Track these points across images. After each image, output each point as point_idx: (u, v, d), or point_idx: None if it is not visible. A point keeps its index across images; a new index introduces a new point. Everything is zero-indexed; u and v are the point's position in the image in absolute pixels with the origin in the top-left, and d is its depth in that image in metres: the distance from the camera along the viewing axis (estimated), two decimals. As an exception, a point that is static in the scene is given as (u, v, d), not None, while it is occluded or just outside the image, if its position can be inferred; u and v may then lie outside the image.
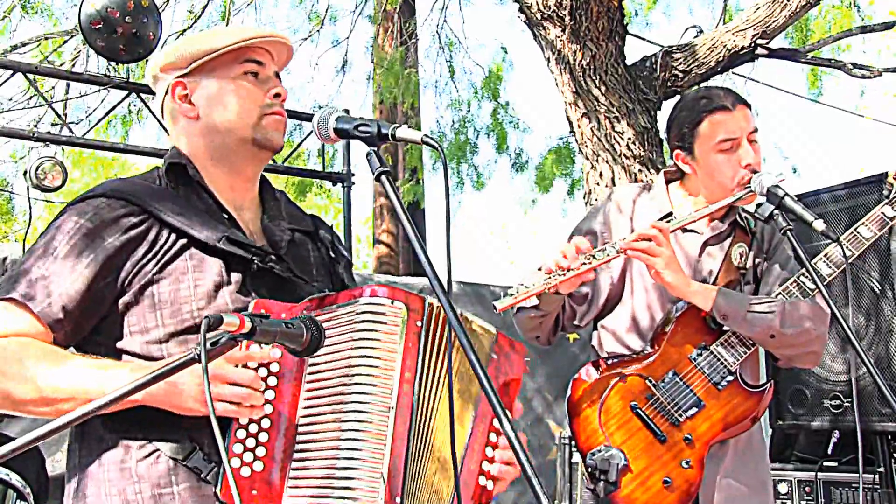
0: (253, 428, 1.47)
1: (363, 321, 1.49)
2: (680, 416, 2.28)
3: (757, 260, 2.46)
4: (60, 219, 1.65)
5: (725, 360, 2.32)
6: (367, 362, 1.47)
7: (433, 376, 1.54)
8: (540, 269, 2.22)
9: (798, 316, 2.27)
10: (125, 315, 1.61)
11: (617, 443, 2.26)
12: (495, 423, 1.61)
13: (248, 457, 1.46)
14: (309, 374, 1.51)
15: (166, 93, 1.78)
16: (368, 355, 1.47)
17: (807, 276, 2.31)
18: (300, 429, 1.48)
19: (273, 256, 1.69)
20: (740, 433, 2.33)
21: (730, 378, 2.31)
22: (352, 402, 1.45)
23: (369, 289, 1.51)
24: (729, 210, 2.45)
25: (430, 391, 1.53)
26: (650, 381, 2.31)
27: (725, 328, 2.35)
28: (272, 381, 1.50)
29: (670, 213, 2.45)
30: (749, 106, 2.40)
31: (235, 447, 1.46)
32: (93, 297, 1.58)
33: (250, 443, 1.46)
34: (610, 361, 2.41)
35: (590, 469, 2.23)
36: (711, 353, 2.33)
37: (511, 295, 2.20)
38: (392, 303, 1.50)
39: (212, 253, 1.63)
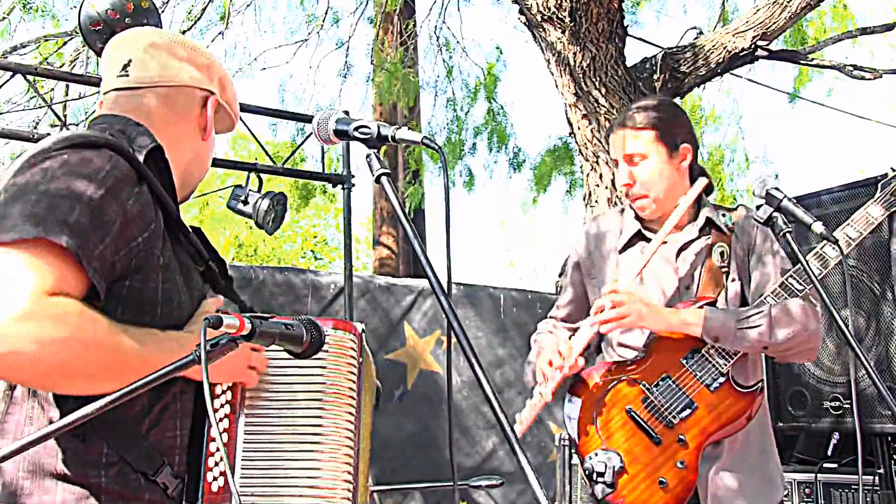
0: (219, 443, 1.52)
1: (330, 350, 1.55)
2: (674, 418, 2.33)
3: (739, 255, 2.47)
4: (78, 156, 1.41)
5: (716, 362, 2.37)
6: (332, 388, 1.55)
7: (364, 397, 1.63)
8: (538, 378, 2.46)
9: (787, 320, 2.31)
10: (109, 298, 1.43)
11: (614, 446, 2.33)
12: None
13: (216, 471, 1.52)
14: (260, 396, 1.56)
15: (204, 90, 1.71)
16: (335, 381, 1.55)
17: (794, 277, 2.34)
18: (245, 445, 1.54)
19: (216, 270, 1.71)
20: (735, 432, 2.36)
21: (721, 380, 2.35)
22: (320, 423, 1.53)
23: (323, 321, 1.56)
24: (697, 214, 2.50)
25: (364, 411, 1.63)
26: (645, 386, 2.37)
27: None
28: (228, 395, 1.57)
29: (638, 234, 2.54)
30: (639, 126, 2.45)
31: (209, 461, 1.52)
32: (110, 266, 1.41)
33: (217, 457, 1.53)
34: (608, 367, 2.47)
35: (587, 472, 2.31)
36: (703, 356, 2.38)
37: (521, 423, 2.46)
38: (344, 334, 1.59)
39: (183, 247, 1.60)
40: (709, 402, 2.33)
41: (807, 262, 2.16)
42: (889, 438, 3.36)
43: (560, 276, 7.53)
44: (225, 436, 1.54)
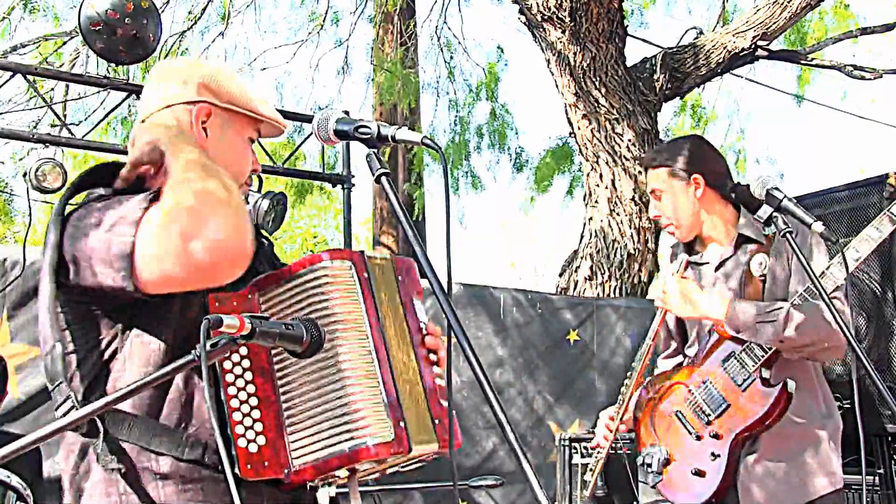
0: (245, 409, 1.61)
1: (322, 283, 1.62)
2: (710, 415, 2.62)
3: (779, 262, 2.62)
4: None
5: (747, 364, 2.56)
6: (338, 318, 1.61)
7: (383, 313, 1.68)
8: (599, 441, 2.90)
9: (804, 320, 2.44)
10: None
11: (663, 442, 2.73)
12: (427, 339, 1.78)
13: (250, 434, 1.59)
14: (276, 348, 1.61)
15: (188, 103, 1.76)
16: (338, 311, 1.61)
17: (820, 281, 2.39)
18: (284, 396, 1.62)
19: None
20: (768, 425, 2.54)
21: (750, 380, 2.56)
22: (336, 355, 1.59)
23: (315, 256, 1.64)
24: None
25: (385, 326, 1.67)
26: (690, 389, 2.71)
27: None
28: (246, 363, 1.63)
29: (687, 262, 2.81)
30: (655, 166, 2.81)
31: (237, 429, 1.59)
32: None
33: (248, 422, 1.60)
34: (665, 374, 2.86)
35: (640, 463, 2.75)
36: (736, 359, 2.59)
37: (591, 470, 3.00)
38: (341, 262, 1.64)
39: None
40: (739, 400, 2.57)
41: (808, 263, 2.17)
42: (889, 438, 3.36)
43: (560, 276, 7.54)
44: (255, 399, 1.61)
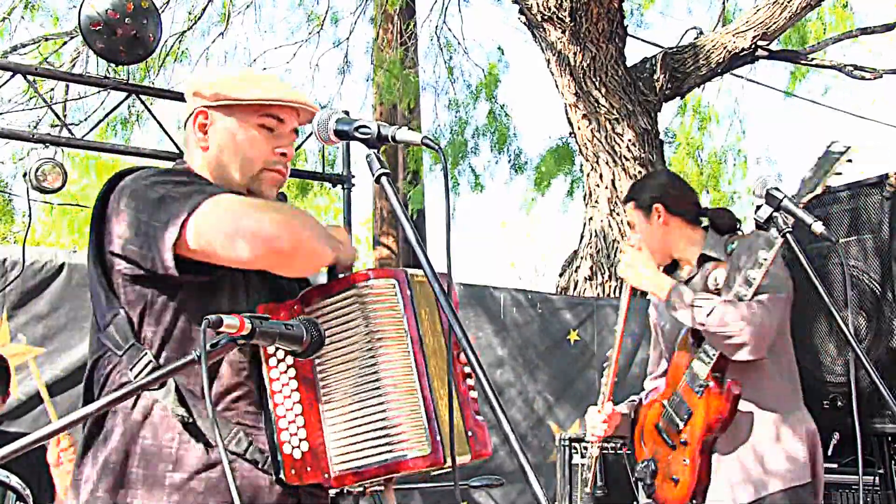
0: (290, 416, 1.70)
1: (367, 300, 1.68)
2: (679, 424, 2.80)
3: (732, 274, 2.75)
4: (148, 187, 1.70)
5: (700, 371, 2.72)
6: (382, 333, 1.67)
7: (424, 330, 1.73)
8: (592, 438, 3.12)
9: (723, 314, 2.62)
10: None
11: (651, 454, 2.93)
12: (461, 357, 1.82)
13: (294, 441, 1.69)
14: (322, 357, 1.69)
15: (190, 116, 1.87)
16: (382, 326, 1.67)
17: (742, 286, 2.60)
18: (326, 406, 1.69)
19: None
20: (725, 426, 2.70)
21: (704, 385, 2.72)
22: (378, 370, 1.65)
23: (361, 273, 1.70)
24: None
25: (425, 342, 1.73)
26: (665, 403, 2.88)
27: (699, 347, 2.76)
28: (291, 372, 1.71)
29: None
30: (625, 201, 3.08)
31: (283, 436, 1.69)
32: None
33: (292, 429, 1.69)
34: (657, 391, 3.02)
35: (635, 476, 2.97)
36: (692, 368, 2.76)
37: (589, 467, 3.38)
38: (386, 280, 1.70)
39: None
40: (698, 406, 2.74)
41: (809, 264, 2.16)
42: (889, 438, 3.35)
43: (560, 276, 7.54)
44: (299, 406, 1.69)
